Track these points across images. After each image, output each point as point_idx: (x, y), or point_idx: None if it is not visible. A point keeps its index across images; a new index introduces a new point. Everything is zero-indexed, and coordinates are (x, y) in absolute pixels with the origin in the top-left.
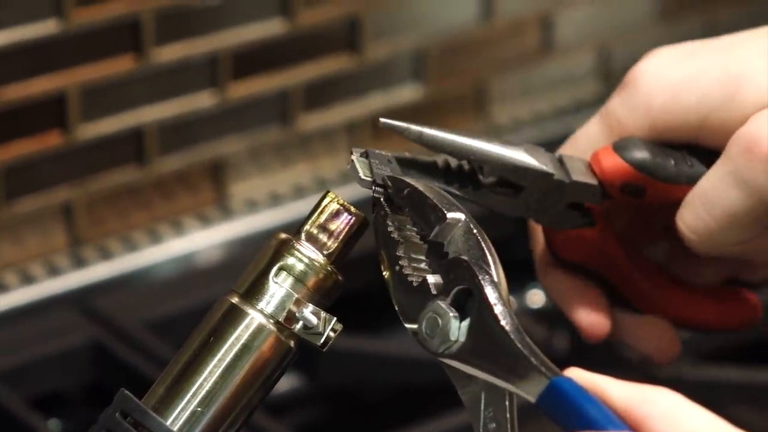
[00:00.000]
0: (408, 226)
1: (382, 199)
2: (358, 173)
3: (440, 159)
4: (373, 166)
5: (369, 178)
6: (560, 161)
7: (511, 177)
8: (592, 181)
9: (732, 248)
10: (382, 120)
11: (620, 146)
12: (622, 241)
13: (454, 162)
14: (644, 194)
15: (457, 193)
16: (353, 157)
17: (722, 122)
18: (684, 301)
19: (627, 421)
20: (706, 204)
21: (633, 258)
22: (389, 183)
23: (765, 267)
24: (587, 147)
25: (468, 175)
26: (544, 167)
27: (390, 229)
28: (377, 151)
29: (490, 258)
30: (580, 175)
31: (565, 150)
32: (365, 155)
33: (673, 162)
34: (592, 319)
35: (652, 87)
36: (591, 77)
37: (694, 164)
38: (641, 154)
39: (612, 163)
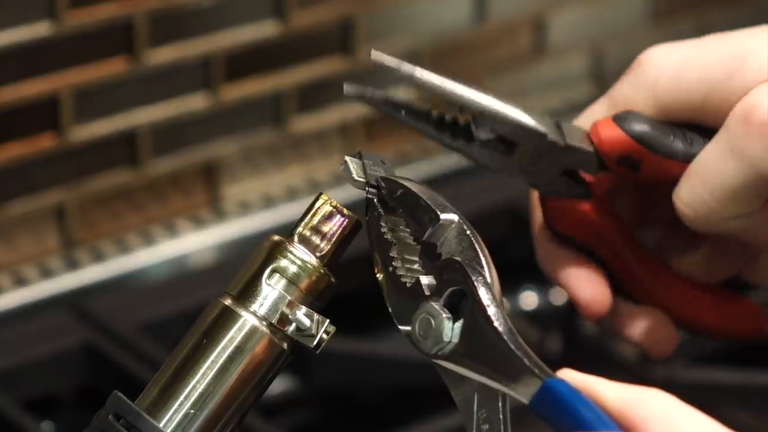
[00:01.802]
0: (401, 227)
1: (375, 200)
2: (351, 174)
3: (435, 110)
4: (367, 167)
5: (362, 179)
6: (558, 126)
7: (504, 131)
8: (588, 148)
9: (729, 224)
10: (374, 52)
11: (620, 117)
12: (620, 224)
13: (448, 115)
14: (640, 168)
15: (449, 142)
16: (346, 158)
17: (724, 98)
18: (683, 296)
19: (620, 423)
20: (703, 177)
21: (631, 243)
22: (382, 184)
23: (764, 257)
24: (588, 123)
25: (461, 128)
26: (538, 126)
27: (383, 230)
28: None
29: (483, 259)
30: (576, 141)
31: None
32: (358, 156)
33: (672, 137)
34: (592, 293)
35: (658, 66)
36: (584, 79)
37: (693, 142)
38: (640, 127)
39: (610, 133)
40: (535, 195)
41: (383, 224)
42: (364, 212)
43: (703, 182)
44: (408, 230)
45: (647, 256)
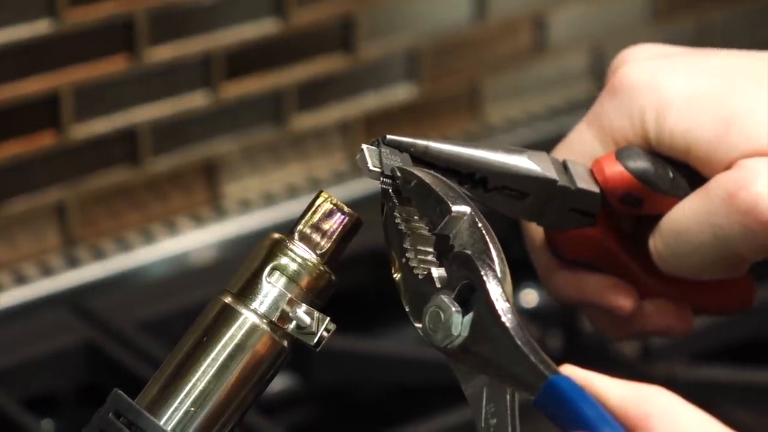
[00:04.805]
0: (415, 217)
1: (390, 191)
2: (366, 164)
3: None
4: (383, 156)
5: (377, 169)
6: (564, 166)
7: (516, 185)
8: (595, 189)
9: (703, 276)
10: (389, 136)
11: (623, 155)
12: (622, 237)
13: (466, 170)
14: (641, 205)
15: (468, 193)
16: (363, 147)
17: (708, 157)
18: (682, 290)
19: (622, 421)
20: (678, 238)
21: (631, 251)
22: (398, 174)
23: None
24: (581, 152)
25: (478, 181)
26: (547, 174)
27: (397, 220)
28: (395, 138)
29: (494, 252)
30: (584, 183)
31: (558, 154)
32: (377, 144)
33: (671, 175)
34: (622, 294)
35: (645, 99)
36: (584, 77)
37: (689, 177)
38: (644, 164)
39: (614, 171)
40: (531, 229)
41: (398, 215)
42: (364, 210)
43: (678, 243)
44: (422, 221)
45: (644, 257)
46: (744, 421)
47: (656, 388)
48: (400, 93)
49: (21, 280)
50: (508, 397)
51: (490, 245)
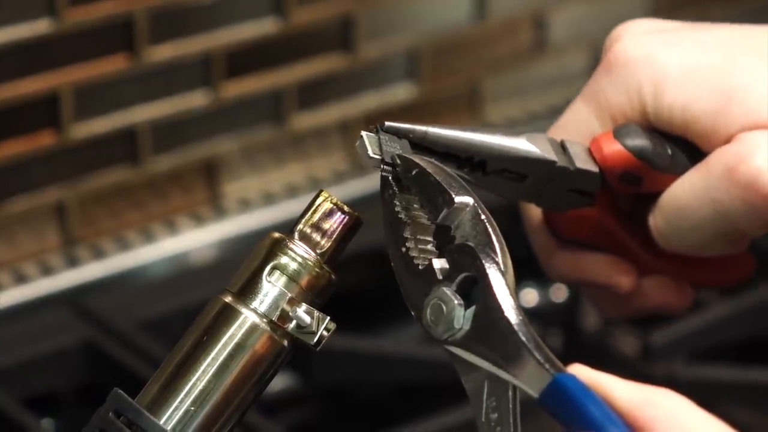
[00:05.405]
0: (415, 206)
1: (390, 178)
2: (366, 151)
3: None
4: (383, 143)
5: (378, 156)
6: (563, 147)
7: (515, 168)
8: (594, 168)
9: (703, 253)
10: (387, 123)
11: (621, 133)
12: (620, 215)
13: (465, 155)
14: (641, 183)
15: (468, 177)
16: (363, 134)
17: (707, 130)
18: (681, 265)
19: (629, 422)
20: (678, 214)
21: (630, 229)
22: (398, 161)
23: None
24: (579, 130)
25: (477, 164)
26: (546, 155)
27: (397, 209)
28: (394, 124)
29: (497, 245)
30: (583, 163)
31: (556, 133)
32: (376, 131)
33: (670, 151)
34: (620, 271)
35: (643, 74)
36: (584, 76)
37: (688, 153)
38: (642, 142)
39: (613, 150)
40: (529, 210)
41: (397, 203)
42: (364, 209)
43: (678, 219)
44: (423, 210)
45: (642, 234)
46: (744, 420)
47: (664, 390)
48: (400, 93)
49: (21, 279)
50: (509, 391)
51: (493, 238)
